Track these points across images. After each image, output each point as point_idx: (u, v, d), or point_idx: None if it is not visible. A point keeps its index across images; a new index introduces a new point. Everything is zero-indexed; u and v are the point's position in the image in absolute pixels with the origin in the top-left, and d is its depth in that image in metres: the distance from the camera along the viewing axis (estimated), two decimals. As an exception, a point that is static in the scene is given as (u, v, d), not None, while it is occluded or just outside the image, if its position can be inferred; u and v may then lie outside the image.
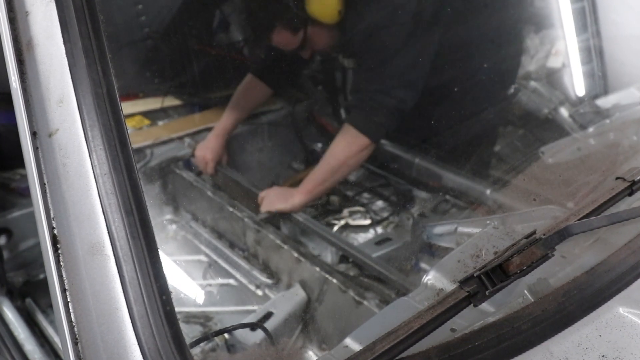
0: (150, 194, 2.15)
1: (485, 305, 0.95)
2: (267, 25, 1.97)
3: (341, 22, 1.91)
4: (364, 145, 1.86)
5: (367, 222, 2.06)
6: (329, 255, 1.83)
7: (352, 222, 2.08)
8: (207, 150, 2.20)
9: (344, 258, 1.79)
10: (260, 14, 2.03)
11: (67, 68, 0.86)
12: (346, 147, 1.87)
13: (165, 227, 2.20)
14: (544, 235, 0.90)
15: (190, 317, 1.71)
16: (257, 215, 1.94)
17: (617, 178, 1.08)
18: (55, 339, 1.62)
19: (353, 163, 1.91)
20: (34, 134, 0.87)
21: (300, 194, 1.91)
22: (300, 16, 1.90)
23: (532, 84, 2.07)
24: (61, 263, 0.83)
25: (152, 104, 2.56)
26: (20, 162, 0.88)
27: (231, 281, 1.91)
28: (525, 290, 0.98)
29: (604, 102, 2.03)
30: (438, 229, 1.49)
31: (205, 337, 1.41)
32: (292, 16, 1.91)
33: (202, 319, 1.72)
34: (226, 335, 1.43)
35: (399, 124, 1.92)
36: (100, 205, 0.81)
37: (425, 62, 1.87)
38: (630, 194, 1.06)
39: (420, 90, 1.90)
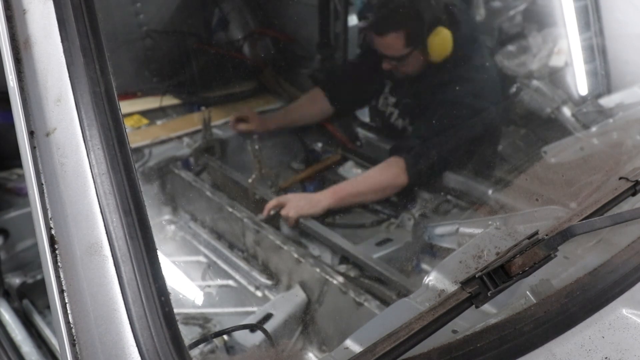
0: (149, 194, 2.15)
1: (487, 307, 0.95)
2: (390, 23, 2.03)
3: (439, 65, 2.01)
4: (403, 183, 1.94)
5: (368, 222, 2.05)
6: (329, 256, 1.83)
7: (352, 222, 2.08)
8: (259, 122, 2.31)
9: (344, 259, 1.78)
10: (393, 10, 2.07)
11: (65, 67, 0.86)
12: (390, 177, 1.95)
13: (164, 227, 2.20)
14: (546, 235, 0.90)
15: (189, 319, 1.71)
16: (280, 220, 1.94)
17: (620, 178, 1.07)
18: (53, 341, 1.62)
19: (387, 193, 1.99)
20: (31, 133, 0.87)
21: (328, 197, 1.94)
22: (419, 37, 1.99)
23: (535, 83, 2.07)
24: (59, 264, 0.82)
25: (151, 103, 2.56)
26: (17, 161, 0.88)
27: (230, 282, 1.91)
28: (527, 291, 0.98)
29: (607, 101, 2.03)
30: (439, 230, 1.49)
31: (205, 339, 1.41)
32: (416, 31, 1.99)
33: (201, 320, 1.71)
34: (225, 336, 1.43)
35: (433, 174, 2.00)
36: (98, 205, 0.81)
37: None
38: (634, 194, 1.05)
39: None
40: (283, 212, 1.91)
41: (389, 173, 1.96)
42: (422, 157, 1.94)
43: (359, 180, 2.03)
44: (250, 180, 2.07)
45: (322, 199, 1.93)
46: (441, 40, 1.99)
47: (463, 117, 1.94)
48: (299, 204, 1.92)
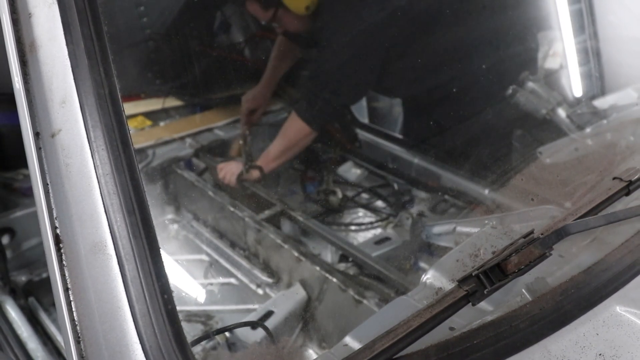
0: (152, 193, 2.16)
1: (483, 304, 0.96)
2: None
3: (309, 16, 2.05)
4: (307, 131, 2.07)
5: (367, 221, 2.07)
6: (329, 255, 1.84)
7: (351, 221, 2.09)
8: (254, 100, 2.41)
9: (343, 257, 1.79)
10: None
11: (70, 69, 0.87)
12: (293, 132, 2.08)
13: (167, 226, 2.21)
14: (541, 234, 0.91)
15: (192, 316, 1.72)
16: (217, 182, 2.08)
17: (614, 178, 1.08)
18: (58, 338, 1.63)
19: (301, 144, 2.13)
20: (36, 135, 0.88)
21: (259, 163, 2.11)
22: None
23: (530, 84, 2.08)
24: (64, 262, 0.84)
25: (154, 104, 2.57)
26: (23, 162, 0.89)
27: (232, 280, 1.92)
28: (523, 289, 0.99)
29: (601, 103, 2.04)
30: (437, 229, 1.50)
31: (207, 336, 1.42)
32: None
33: (203, 317, 1.72)
34: (227, 333, 1.44)
35: (338, 117, 2.14)
36: (102, 205, 0.82)
37: (371, 69, 2.01)
38: (627, 194, 1.06)
39: (361, 92, 2.10)
40: (222, 177, 2.09)
41: (293, 127, 2.09)
42: (311, 103, 2.03)
43: (277, 145, 2.15)
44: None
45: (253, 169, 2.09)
46: None
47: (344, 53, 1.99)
48: (234, 170, 2.11)
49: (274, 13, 2.09)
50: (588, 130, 1.84)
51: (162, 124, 2.51)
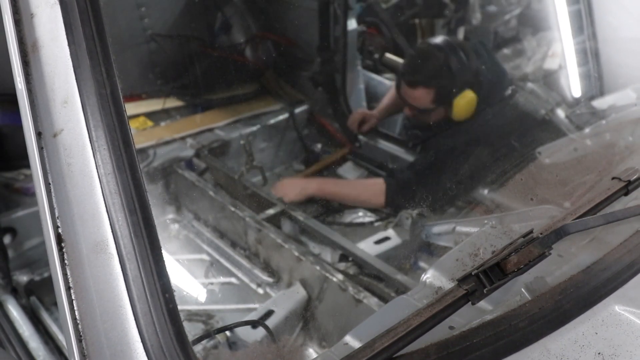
0: (153, 193, 2.17)
1: (483, 303, 0.96)
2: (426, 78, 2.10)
3: (457, 123, 2.07)
4: (379, 204, 2.08)
5: (367, 221, 2.07)
6: (329, 254, 1.84)
7: (351, 221, 2.10)
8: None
9: (343, 257, 1.80)
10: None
11: (72, 69, 0.87)
12: (369, 194, 2.10)
13: (168, 226, 2.22)
14: (541, 234, 0.91)
15: (193, 315, 1.72)
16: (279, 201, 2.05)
17: (613, 178, 1.09)
18: (60, 337, 1.64)
19: (364, 205, 2.12)
20: (38, 134, 0.88)
21: (314, 187, 2.13)
22: (447, 97, 2.03)
23: (529, 85, 2.10)
24: (66, 261, 0.84)
25: (155, 105, 2.57)
26: (25, 162, 0.89)
27: (233, 280, 1.92)
28: (522, 289, 0.99)
29: (600, 103, 2.05)
30: (437, 229, 1.51)
31: (207, 335, 1.42)
32: (446, 91, 2.04)
33: (204, 316, 1.73)
34: (228, 332, 1.44)
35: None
36: (104, 205, 0.82)
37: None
38: (626, 194, 1.07)
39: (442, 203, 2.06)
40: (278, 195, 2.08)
41: (370, 190, 2.11)
42: (403, 190, 2.04)
43: (345, 184, 2.17)
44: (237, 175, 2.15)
45: (309, 188, 2.10)
46: (466, 104, 2.03)
47: (459, 167, 2.00)
48: (287, 190, 2.11)
49: (434, 108, 2.07)
50: (587, 130, 1.85)
51: (163, 124, 2.51)
